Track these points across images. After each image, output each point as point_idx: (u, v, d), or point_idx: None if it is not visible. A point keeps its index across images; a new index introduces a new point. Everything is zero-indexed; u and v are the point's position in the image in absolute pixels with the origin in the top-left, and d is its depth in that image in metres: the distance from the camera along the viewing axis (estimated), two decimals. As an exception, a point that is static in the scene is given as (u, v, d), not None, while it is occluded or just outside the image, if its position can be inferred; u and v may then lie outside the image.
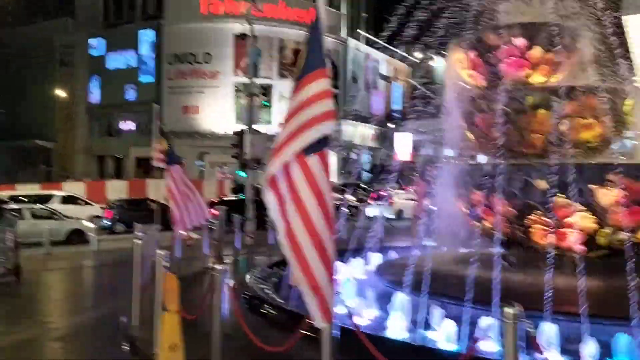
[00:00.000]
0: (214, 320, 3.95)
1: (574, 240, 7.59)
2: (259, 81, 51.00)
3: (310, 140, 3.28)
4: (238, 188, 32.63)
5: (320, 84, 3.39)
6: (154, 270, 5.59)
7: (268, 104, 24.78)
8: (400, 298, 6.87)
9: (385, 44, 62.83)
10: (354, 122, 56.25)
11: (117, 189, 29.93)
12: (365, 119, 57.76)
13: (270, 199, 3.38)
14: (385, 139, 61.08)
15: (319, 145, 3.31)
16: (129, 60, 53.94)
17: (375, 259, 10.33)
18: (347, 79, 55.49)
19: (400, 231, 18.95)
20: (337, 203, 28.23)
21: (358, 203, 29.86)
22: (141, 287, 6.22)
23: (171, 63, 50.36)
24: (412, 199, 28.49)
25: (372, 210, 27.55)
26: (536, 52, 8.56)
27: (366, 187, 38.92)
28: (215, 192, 32.48)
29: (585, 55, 8.82)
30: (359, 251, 10.59)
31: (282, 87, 50.18)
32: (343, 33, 56.16)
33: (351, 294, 7.90)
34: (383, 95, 61.02)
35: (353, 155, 56.01)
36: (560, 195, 7.41)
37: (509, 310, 3.00)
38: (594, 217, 7.40)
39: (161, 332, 3.96)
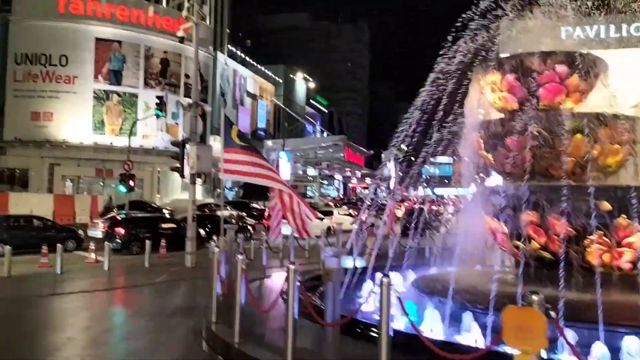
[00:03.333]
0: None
1: (626, 259, 8.08)
2: (122, 89, 47.69)
3: None
4: (120, 205, 29.68)
5: None
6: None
7: (161, 114, 22.92)
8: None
9: (252, 62, 62.77)
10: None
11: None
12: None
13: None
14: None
15: None
16: (-38, 56, 46.82)
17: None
18: (217, 94, 54.15)
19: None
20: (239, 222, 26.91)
21: (253, 222, 28.95)
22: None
23: (19, 63, 44.75)
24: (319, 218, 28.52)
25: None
26: (574, 79, 9.06)
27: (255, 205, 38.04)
28: (88, 209, 29.21)
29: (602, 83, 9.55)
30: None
31: (147, 97, 47.28)
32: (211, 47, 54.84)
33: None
34: (249, 112, 60.58)
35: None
36: (622, 216, 7.86)
37: None
38: (650, 236, 7.96)
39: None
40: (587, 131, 8.85)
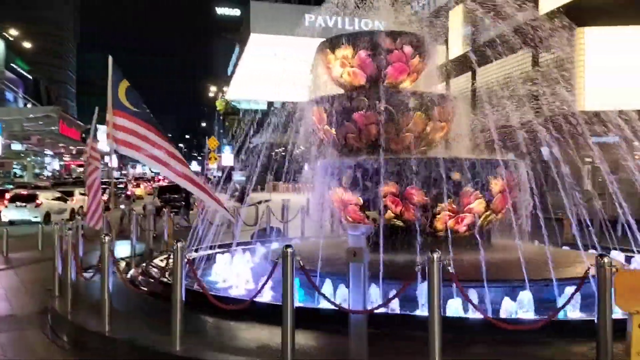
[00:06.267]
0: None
1: (465, 223, 9.11)
2: None
3: None
4: None
5: None
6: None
7: None
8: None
9: None
10: None
11: None
12: None
13: None
14: None
15: None
16: None
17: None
18: None
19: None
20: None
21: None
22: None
23: None
24: (59, 199, 24.42)
25: (10, 213, 22.40)
26: (416, 60, 9.65)
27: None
28: None
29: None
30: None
31: None
32: None
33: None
34: None
35: None
36: (467, 185, 8.78)
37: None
38: (485, 203, 9.06)
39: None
40: (425, 109, 9.67)
